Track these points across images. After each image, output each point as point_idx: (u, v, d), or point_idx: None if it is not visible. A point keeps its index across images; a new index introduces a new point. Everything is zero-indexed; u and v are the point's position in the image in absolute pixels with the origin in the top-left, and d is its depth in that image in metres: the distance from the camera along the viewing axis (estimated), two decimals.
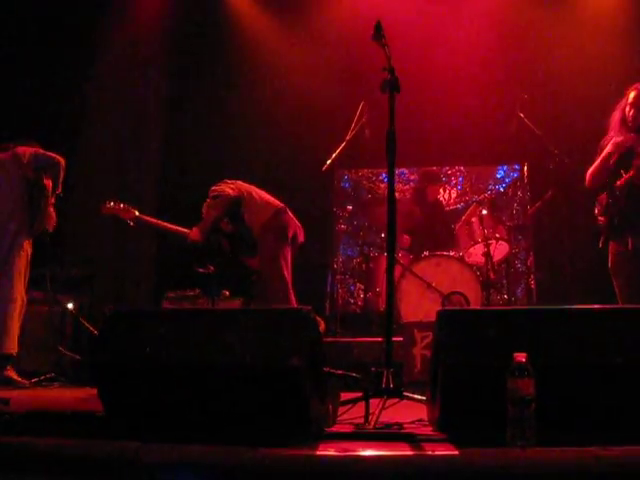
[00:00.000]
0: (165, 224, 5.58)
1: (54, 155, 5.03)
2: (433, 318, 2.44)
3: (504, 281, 6.83)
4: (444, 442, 2.17)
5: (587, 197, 4.50)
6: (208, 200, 5.53)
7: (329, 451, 2.05)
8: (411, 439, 2.25)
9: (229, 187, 5.45)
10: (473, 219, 6.30)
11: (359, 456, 2.01)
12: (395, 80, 3.23)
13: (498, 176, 8.21)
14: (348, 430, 2.49)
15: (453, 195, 8.12)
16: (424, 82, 6.88)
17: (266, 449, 2.03)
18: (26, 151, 4.99)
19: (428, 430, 2.46)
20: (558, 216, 6.36)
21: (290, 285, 5.37)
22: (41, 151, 5.04)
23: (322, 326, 5.36)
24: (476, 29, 7.28)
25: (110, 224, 6.40)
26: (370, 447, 2.10)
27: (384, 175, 7.90)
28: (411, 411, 2.76)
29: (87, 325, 5.69)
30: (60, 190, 5.08)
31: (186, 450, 2.08)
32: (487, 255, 6.04)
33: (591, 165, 4.28)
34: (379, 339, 4.90)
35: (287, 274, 5.38)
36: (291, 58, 7.70)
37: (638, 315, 2.41)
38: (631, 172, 4.00)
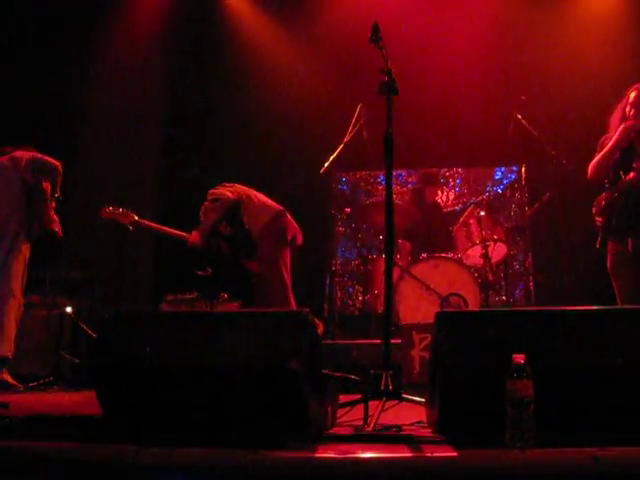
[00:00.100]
0: (164, 228, 5.60)
1: (51, 159, 5.03)
2: (431, 320, 2.45)
3: (502, 283, 6.84)
4: (443, 444, 2.17)
5: (585, 198, 4.51)
6: (206, 203, 5.53)
7: (328, 453, 2.05)
8: (410, 441, 2.24)
9: (228, 190, 5.46)
10: (471, 221, 6.30)
11: (358, 458, 2.01)
12: (393, 82, 3.23)
13: (496, 178, 8.23)
14: (347, 432, 2.49)
15: (451, 197, 8.13)
16: (421, 84, 6.89)
17: (265, 451, 2.03)
18: (24, 155, 4.99)
19: (427, 432, 2.46)
20: (556, 217, 6.38)
21: (290, 288, 5.38)
22: (38, 155, 5.04)
23: (321, 328, 5.36)
24: (474, 31, 7.29)
25: (109, 228, 6.39)
26: (369, 449, 2.10)
27: (382, 177, 7.91)
28: (410, 413, 2.76)
29: (86, 328, 5.69)
30: (59, 194, 5.08)
31: (185, 453, 2.08)
32: (485, 257, 6.04)
33: (589, 166, 4.27)
34: (378, 341, 4.92)
35: (287, 277, 5.39)
36: (289, 60, 7.71)
37: (636, 316, 2.41)
38: (631, 174, 4.00)
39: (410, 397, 2.86)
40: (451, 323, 2.40)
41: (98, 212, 5.60)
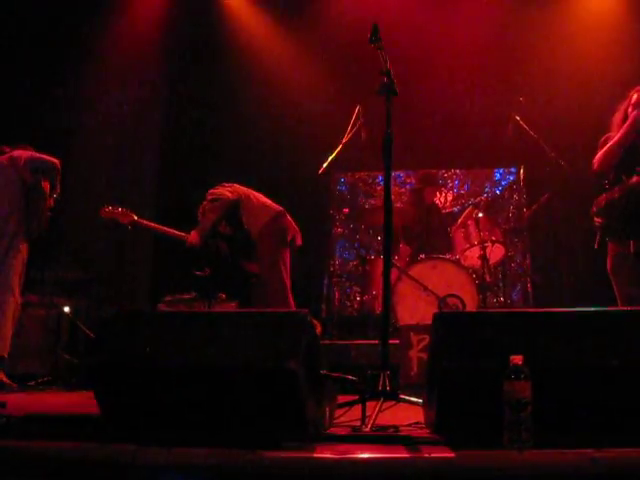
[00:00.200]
0: (163, 228, 5.60)
1: (49, 158, 5.03)
2: (429, 321, 2.45)
3: (500, 284, 6.85)
4: (441, 445, 2.17)
5: (583, 199, 4.51)
6: (205, 203, 5.54)
7: (326, 453, 2.05)
8: (408, 441, 2.24)
9: (227, 190, 5.47)
10: (469, 222, 6.31)
11: (356, 458, 2.01)
12: (392, 83, 3.23)
13: (494, 179, 8.23)
14: (345, 432, 2.49)
15: (449, 198, 8.13)
16: (420, 85, 6.89)
17: (263, 451, 2.03)
18: (22, 154, 4.99)
19: (425, 433, 2.46)
20: (554, 219, 6.38)
21: (289, 289, 5.38)
22: (37, 155, 5.04)
23: (318, 329, 5.36)
24: (472, 32, 7.29)
25: (108, 227, 6.39)
26: (367, 449, 2.10)
27: (380, 178, 7.91)
28: (408, 414, 2.76)
29: (84, 328, 5.69)
30: (58, 192, 5.08)
31: (183, 452, 2.08)
32: (483, 258, 6.05)
33: (587, 167, 4.28)
34: (375, 342, 4.93)
35: (286, 278, 5.39)
36: (288, 60, 7.72)
37: (634, 317, 2.42)
38: (635, 178, 3.99)
39: (408, 398, 2.86)
40: (449, 324, 2.40)
41: (97, 212, 5.59)
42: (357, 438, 2.35)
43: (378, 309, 6.09)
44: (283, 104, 7.50)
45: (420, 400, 2.77)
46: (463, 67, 7.30)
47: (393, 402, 2.82)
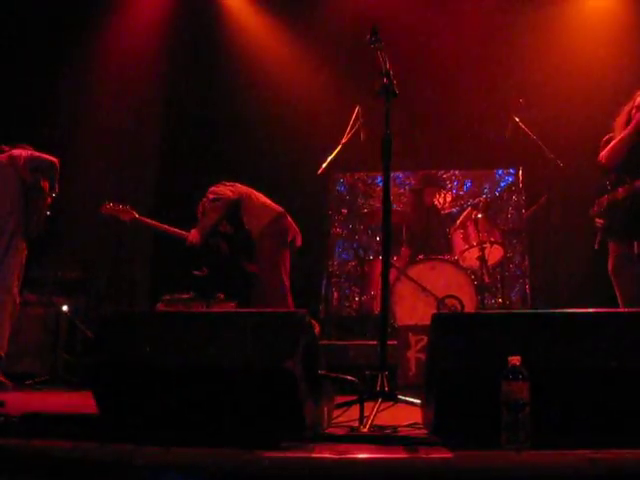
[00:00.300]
0: (163, 226, 5.59)
1: (48, 157, 5.03)
2: (428, 321, 2.45)
3: (499, 285, 6.84)
4: (438, 445, 2.17)
5: (582, 201, 4.51)
6: (204, 200, 5.53)
7: (325, 453, 2.05)
8: (406, 442, 2.25)
9: (228, 189, 5.46)
10: (468, 223, 6.32)
11: (355, 459, 2.01)
12: (391, 84, 3.24)
13: (493, 180, 8.24)
14: (343, 433, 2.50)
15: (448, 199, 8.13)
16: (419, 86, 6.90)
17: (262, 451, 2.04)
18: (22, 154, 4.99)
19: (423, 433, 2.46)
20: (553, 220, 6.38)
21: (288, 290, 5.39)
22: (36, 154, 5.04)
23: (317, 329, 5.36)
24: (471, 33, 7.30)
25: (106, 226, 6.39)
26: (365, 450, 2.11)
27: (379, 179, 7.91)
28: (406, 414, 2.76)
29: (82, 327, 5.69)
30: (57, 191, 5.08)
31: (181, 452, 2.08)
32: (482, 259, 6.06)
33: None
34: (374, 342, 4.93)
35: (286, 279, 5.40)
36: (287, 61, 7.72)
37: (632, 319, 2.42)
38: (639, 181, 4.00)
39: (406, 398, 2.86)
40: (447, 325, 2.41)
41: (97, 210, 5.59)
42: (355, 438, 2.35)
43: (376, 310, 6.08)
44: (282, 104, 7.49)
45: (418, 401, 2.78)
46: (462, 68, 7.31)
47: (391, 402, 2.82)
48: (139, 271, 7.67)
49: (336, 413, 2.75)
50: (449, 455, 2.02)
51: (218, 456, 2.06)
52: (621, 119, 4.18)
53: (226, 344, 2.39)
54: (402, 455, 2.06)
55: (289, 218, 5.56)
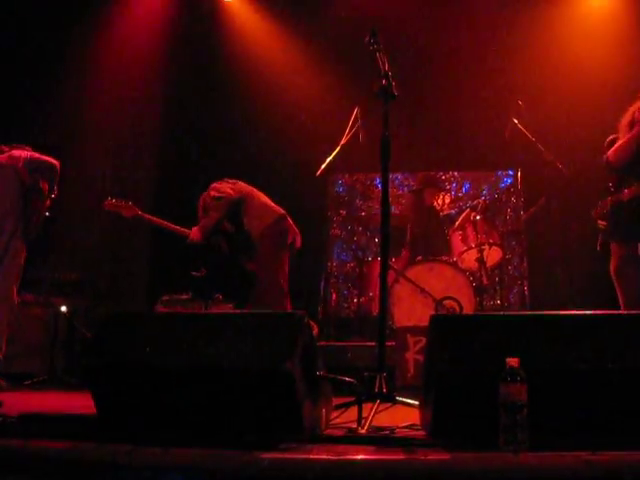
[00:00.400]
0: (165, 223, 5.59)
1: (48, 158, 5.03)
2: (426, 323, 2.45)
3: (497, 286, 6.85)
4: (436, 447, 2.17)
5: (581, 203, 4.52)
6: (205, 194, 5.52)
7: (323, 454, 2.05)
8: (404, 443, 2.25)
9: (230, 188, 5.46)
10: (467, 224, 6.32)
11: (352, 460, 2.02)
12: (390, 86, 3.24)
13: (492, 182, 8.24)
14: (341, 434, 2.49)
15: (447, 200, 8.14)
16: (418, 87, 6.91)
17: (260, 452, 2.04)
18: (21, 155, 4.99)
19: (421, 434, 2.46)
20: (551, 222, 6.39)
21: (287, 291, 5.39)
22: (36, 155, 5.04)
23: (315, 330, 5.36)
24: (470, 35, 7.31)
25: (105, 227, 6.40)
26: (363, 451, 2.11)
27: (378, 180, 7.92)
28: (404, 416, 2.76)
29: (80, 328, 5.69)
30: (56, 193, 5.08)
31: (180, 453, 2.08)
32: (480, 260, 6.06)
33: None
34: (372, 343, 4.92)
35: (284, 281, 5.40)
36: (286, 62, 7.72)
37: (629, 321, 2.43)
38: None
39: (404, 399, 2.87)
40: (446, 326, 2.41)
41: (97, 209, 5.60)
42: (353, 439, 2.35)
43: (375, 311, 6.08)
44: (281, 105, 7.50)
45: (416, 402, 2.78)
46: (461, 70, 7.31)
47: (389, 404, 2.82)
48: (137, 271, 7.67)
49: (334, 414, 2.75)
50: (447, 456, 2.02)
51: (217, 457, 2.06)
52: (625, 120, 4.18)
53: (225, 345, 2.39)
54: (400, 456, 2.06)
55: (289, 220, 5.56)
